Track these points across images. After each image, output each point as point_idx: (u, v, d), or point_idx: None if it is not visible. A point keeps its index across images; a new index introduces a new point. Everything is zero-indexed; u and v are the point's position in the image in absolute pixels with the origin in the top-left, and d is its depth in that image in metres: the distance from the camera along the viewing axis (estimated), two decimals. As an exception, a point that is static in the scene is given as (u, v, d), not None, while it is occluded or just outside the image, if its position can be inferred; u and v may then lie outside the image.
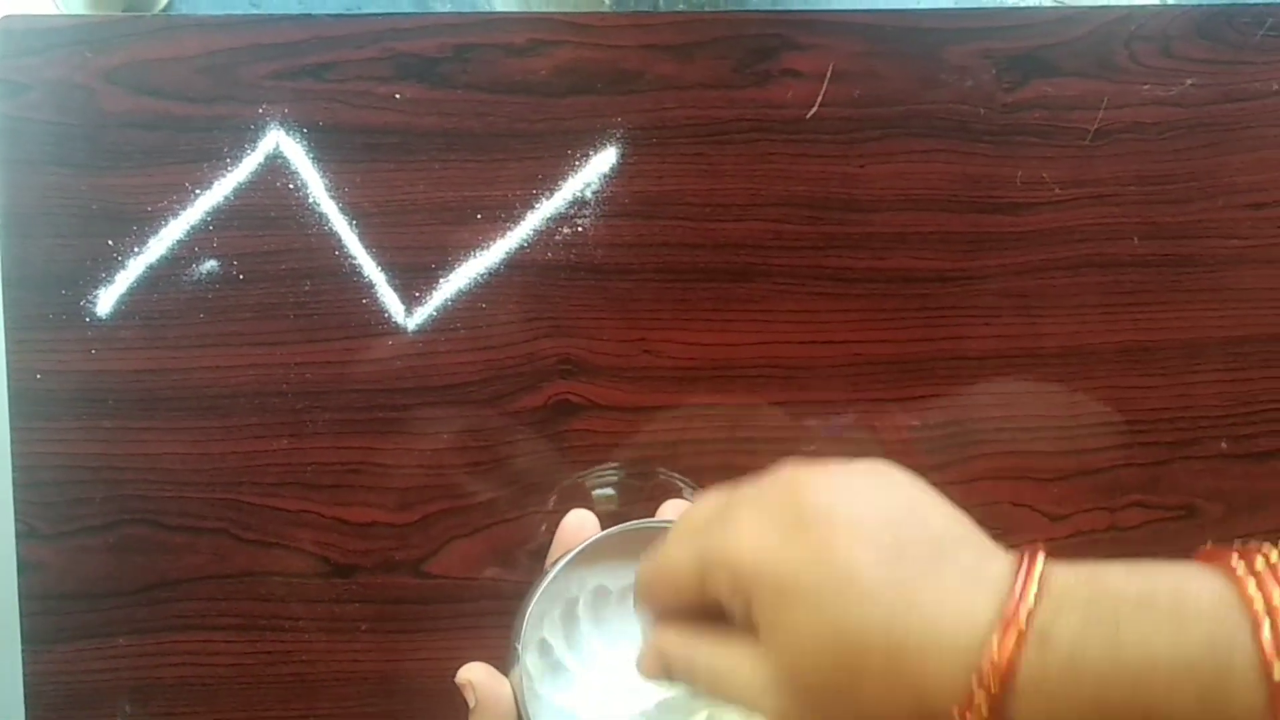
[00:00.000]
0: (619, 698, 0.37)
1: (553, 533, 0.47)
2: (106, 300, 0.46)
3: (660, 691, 0.37)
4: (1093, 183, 0.48)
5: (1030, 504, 0.48)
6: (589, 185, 0.47)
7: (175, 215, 0.46)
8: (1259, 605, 0.25)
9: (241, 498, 0.46)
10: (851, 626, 0.27)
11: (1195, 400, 0.48)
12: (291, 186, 0.46)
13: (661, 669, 0.33)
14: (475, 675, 0.37)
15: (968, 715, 0.26)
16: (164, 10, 0.50)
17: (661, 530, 0.37)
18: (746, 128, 0.48)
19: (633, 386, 0.47)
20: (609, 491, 0.47)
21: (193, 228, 0.46)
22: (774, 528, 0.29)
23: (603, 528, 0.38)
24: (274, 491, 0.46)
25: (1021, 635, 0.26)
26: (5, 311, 0.45)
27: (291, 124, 0.46)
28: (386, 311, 0.47)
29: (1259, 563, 0.26)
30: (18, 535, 0.46)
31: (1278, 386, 0.49)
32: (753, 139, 0.48)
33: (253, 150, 0.46)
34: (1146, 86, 0.48)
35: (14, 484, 0.46)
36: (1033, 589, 0.26)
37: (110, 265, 0.46)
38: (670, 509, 0.39)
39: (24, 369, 0.46)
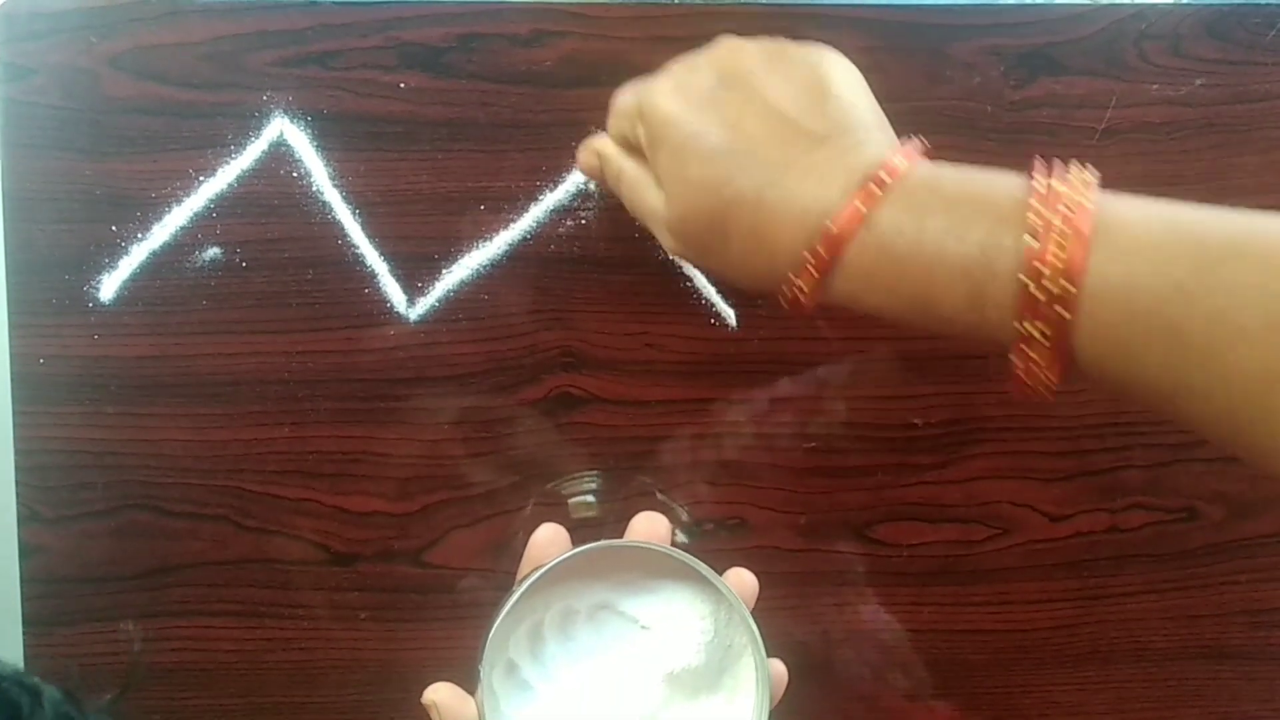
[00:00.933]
0: (586, 718, 0.36)
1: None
2: (110, 286, 0.46)
3: (626, 713, 0.37)
4: (1100, 182, 0.48)
5: (1031, 504, 0.48)
6: (589, 181, 0.47)
7: (179, 202, 0.46)
8: (1034, 219, 0.29)
9: (243, 485, 0.46)
10: (732, 188, 0.33)
11: (1198, 402, 0.48)
12: (295, 174, 0.46)
13: (594, 166, 0.40)
14: (440, 696, 0.37)
15: (799, 280, 0.32)
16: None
17: (632, 550, 0.36)
18: (752, 122, 0.47)
19: (634, 380, 0.47)
20: (589, 499, 0.47)
21: (196, 214, 0.46)
22: (697, 89, 0.35)
23: (578, 538, 0.38)
24: (275, 479, 0.46)
25: (858, 216, 0.31)
26: (8, 296, 0.46)
27: (296, 112, 0.46)
28: (389, 301, 0.47)
29: (1056, 183, 0.30)
30: (20, 519, 0.46)
31: None
32: (758, 133, 0.47)
33: (257, 137, 0.46)
34: (1156, 86, 0.48)
35: (16, 468, 0.46)
36: (882, 183, 0.31)
37: (114, 251, 0.46)
38: (642, 524, 0.38)
39: (27, 354, 0.46)
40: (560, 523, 0.39)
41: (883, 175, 0.31)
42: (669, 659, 0.37)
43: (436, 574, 0.47)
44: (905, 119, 0.48)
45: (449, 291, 0.47)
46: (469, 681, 0.36)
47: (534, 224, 0.47)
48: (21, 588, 0.46)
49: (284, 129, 0.46)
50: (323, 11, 0.46)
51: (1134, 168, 0.48)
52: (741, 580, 0.38)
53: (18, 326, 0.46)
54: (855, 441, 0.48)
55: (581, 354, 0.47)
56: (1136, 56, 0.48)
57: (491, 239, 0.47)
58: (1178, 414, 0.29)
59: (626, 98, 0.38)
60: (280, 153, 0.46)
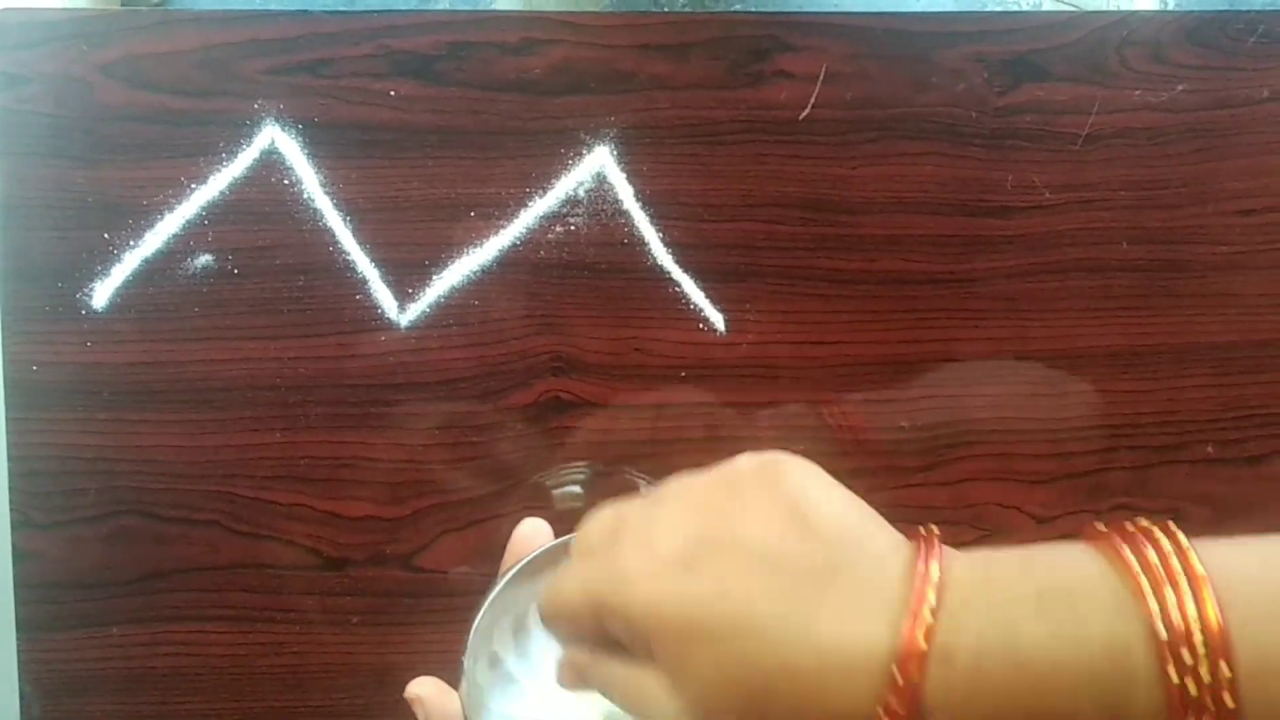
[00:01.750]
0: (570, 709, 0.36)
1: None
2: (102, 293, 0.46)
3: (610, 704, 0.37)
4: (1083, 187, 0.48)
5: (1017, 506, 0.49)
6: (582, 184, 0.48)
7: (171, 209, 0.46)
8: (1152, 604, 0.24)
9: (234, 490, 0.47)
10: (753, 662, 0.27)
11: (1183, 405, 0.49)
12: (286, 182, 0.47)
13: (578, 681, 0.33)
14: (424, 690, 0.36)
15: None
16: (161, 4, 0.51)
17: None
18: (739, 128, 0.48)
19: (623, 384, 0.48)
20: (575, 490, 0.47)
21: (188, 222, 0.46)
22: (664, 564, 0.28)
23: (567, 529, 0.38)
24: (267, 484, 0.47)
25: (923, 657, 0.25)
26: (2, 303, 0.46)
27: (287, 119, 0.47)
28: (379, 307, 0.47)
29: (1149, 552, 0.25)
30: (13, 525, 0.46)
31: (1265, 392, 0.49)
32: (746, 140, 0.48)
33: (248, 145, 0.47)
34: (1138, 92, 0.48)
35: (10, 474, 0.46)
36: (928, 601, 0.25)
37: (106, 258, 0.46)
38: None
39: (20, 361, 0.46)
40: (549, 519, 0.39)
41: (928, 592, 0.26)
42: None
43: (428, 578, 0.47)
44: (891, 125, 0.48)
45: (439, 298, 0.47)
46: (455, 677, 0.36)
47: (524, 230, 0.47)
48: (15, 593, 0.46)
49: (275, 136, 0.47)
50: (314, 20, 0.47)
51: (1117, 173, 0.48)
52: None
53: (11, 333, 0.46)
54: (843, 445, 0.48)
55: (571, 359, 0.47)
56: (1119, 63, 0.48)
57: (482, 245, 0.47)
58: None
59: (572, 592, 0.30)
60: (271, 160, 0.47)
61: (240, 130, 0.47)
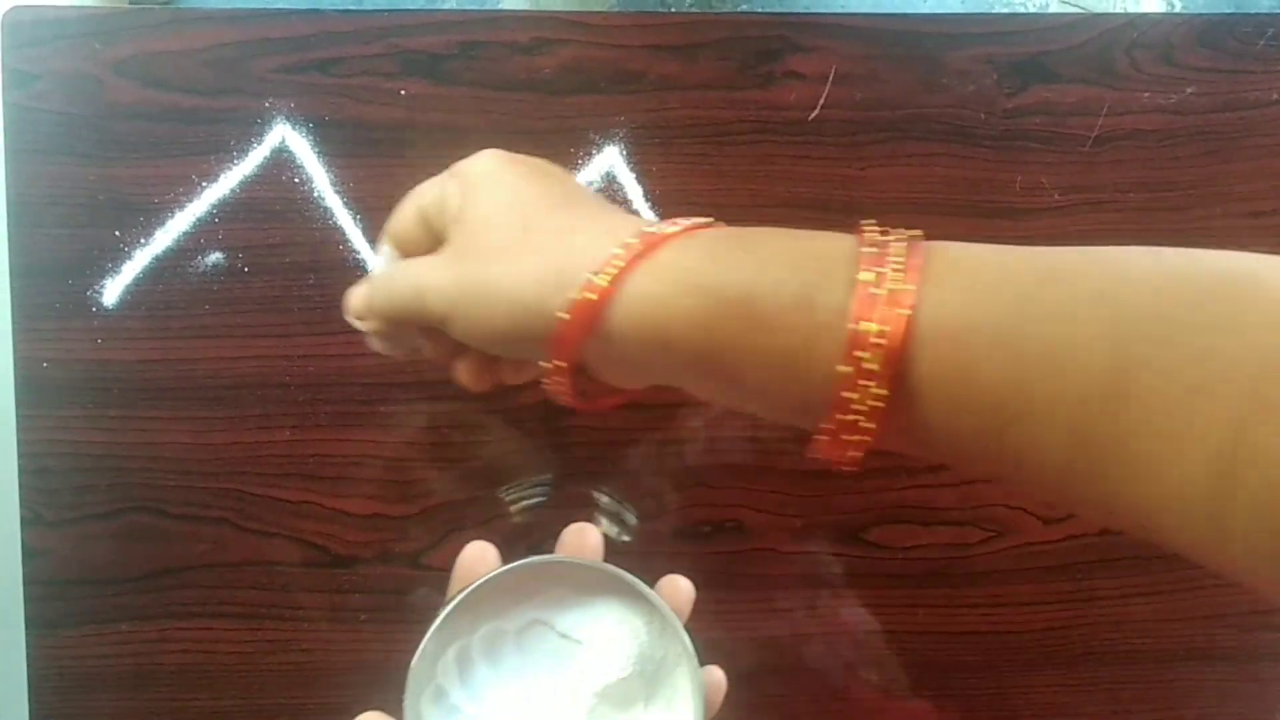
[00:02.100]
0: None
1: (548, 529, 0.48)
2: (113, 291, 0.46)
3: None
4: (1092, 189, 0.48)
5: (1024, 507, 0.49)
6: (592, 183, 0.48)
7: (181, 207, 0.46)
8: (867, 256, 0.27)
9: (244, 488, 0.47)
10: (510, 298, 0.32)
11: (1189, 406, 0.49)
12: (297, 180, 0.47)
13: (364, 303, 0.38)
14: None
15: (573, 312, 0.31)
16: (169, 3, 0.51)
17: (560, 565, 0.36)
18: (749, 129, 0.48)
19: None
20: (533, 501, 0.47)
21: (198, 220, 0.47)
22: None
23: (521, 546, 0.37)
24: (276, 482, 0.47)
25: (660, 241, 0.30)
26: (13, 300, 0.46)
27: (297, 118, 0.47)
28: (389, 306, 0.47)
29: (879, 237, 0.28)
30: (23, 521, 0.46)
31: (1272, 394, 0.49)
32: (755, 140, 0.48)
33: (259, 144, 0.47)
34: (1147, 94, 0.48)
35: (20, 471, 0.46)
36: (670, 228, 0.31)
37: (117, 256, 0.46)
38: (572, 537, 0.38)
39: (31, 357, 0.46)
40: (510, 532, 0.39)
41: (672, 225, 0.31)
42: (600, 674, 0.36)
43: (436, 576, 0.47)
44: (901, 127, 0.49)
45: (449, 296, 0.47)
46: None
47: (533, 229, 0.47)
48: (24, 590, 0.46)
49: (286, 135, 0.47)
50: (324, 19, 0.47)
51: (1126, 175, 0.48)
52: (676, 588, 0.37)
53: (22, 330, 0.46)
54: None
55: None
56: (1128, 65, 0.48)
57: (491, 244, 0.47)
58: (1009, 449, 0.27)
59: (409, 209, 0.38)
60: (282, 158, 0.47)
61: (251, 128, 0.47)
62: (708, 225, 0.33)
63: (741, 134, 0.48)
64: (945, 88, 0.48)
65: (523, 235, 0.33)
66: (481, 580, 0.35)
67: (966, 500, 0.49)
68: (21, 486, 0.46)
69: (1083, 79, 0.48)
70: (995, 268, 0.27)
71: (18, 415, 0.46)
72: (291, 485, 0.47)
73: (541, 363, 0.33)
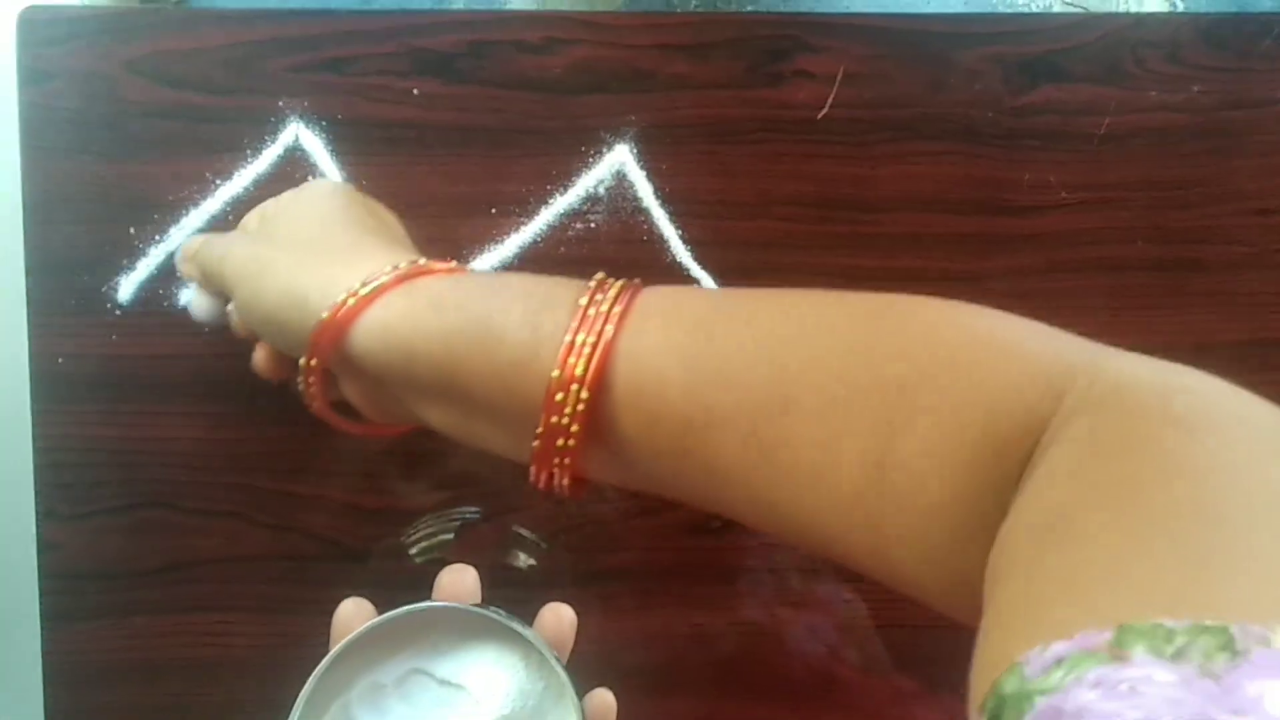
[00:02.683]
0: None
1: (565, 521, 0.48)
2: (127, 287, 0.47)
3: None
4: (1100, 187, 0.49)
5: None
6: (601, 182, 0.48)
7: (195, 205, 0.47)
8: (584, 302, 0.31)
9: (256, 482, 0.47)
10: (282, 286, 0.35)
11: (1196, 403, 0.49)
12: (310, 178, 0.47)
13: (192, 249, 0.41)
14: None
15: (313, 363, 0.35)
16: (185, 2, 0.51)
17: (431, 611, 0.36)
18: (758, 128, 0.48)
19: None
20: (447, 538, 0.47)
21: (212, 217, 0.47)
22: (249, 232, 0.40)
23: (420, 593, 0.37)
24: (288, 477, 0.47)
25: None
26: (28, 296, 0.46)
27: (310, 117, 0.47)
28: (401, 303, 0.47)
29: (605, 302, 0.32)
30: (38, 516, 0.47)
31: None
32: (764, 139, 0.48)
33: (272, 142, 0.47)
34: (1154, 93, 0.49)
35: (35, 465, 0.47)
36: (378, 283, 0.33)
37: (131, 253, 0.47)
38: (447, 578, 0.38)
39: (46, 353, 0.46)
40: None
41: (385, 280, 0.33)
42: (484, 715, 0.37)
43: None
44: (909, 126, 0.49)
45: (460, 293, 0.47)
46: None
47: (544, 227, 0.48)
48: (39, 583, 0.47)
49: (299, 133, 0.47)
50: (337, 19, 0.47)
51: (1132, 173, 0.49)
52: (559, 617, 0.38)
53: (37, 326, 0.46)
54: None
55: (590, 355, 0.48)
56: (1135, 64, 0.49)
57: (502, 242, 0.48)
58: (699, 461, 0.30)
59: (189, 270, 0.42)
60: (295, 157, 0.47)
61: (264, 127, 0.47)
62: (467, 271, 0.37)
63: (751, 133, 0.48)
64: (953, 87, 0.48)
65: (321, 240, 0.37)
66: (353, 636, 0.35)
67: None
68: (37, 481, 0.47)
69: (1090, 78, 0.48)
70: (691, 305, 0.32)
71: (33, 410, 0.47)
72: (304, 480, 0.47)
73: (300, 361, 0.35)
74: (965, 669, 0.50)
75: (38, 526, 0.47)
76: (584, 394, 0.30)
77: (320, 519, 0.47)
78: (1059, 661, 0.18)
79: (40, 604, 0.47)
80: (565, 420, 0.31)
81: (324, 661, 0.35)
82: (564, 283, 0.34)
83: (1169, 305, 0.49)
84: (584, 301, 0.32)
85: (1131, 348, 0.49)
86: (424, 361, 0.33)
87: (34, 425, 0.47)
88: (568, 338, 0.30)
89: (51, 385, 0.47)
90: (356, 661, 0.36)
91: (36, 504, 0.47)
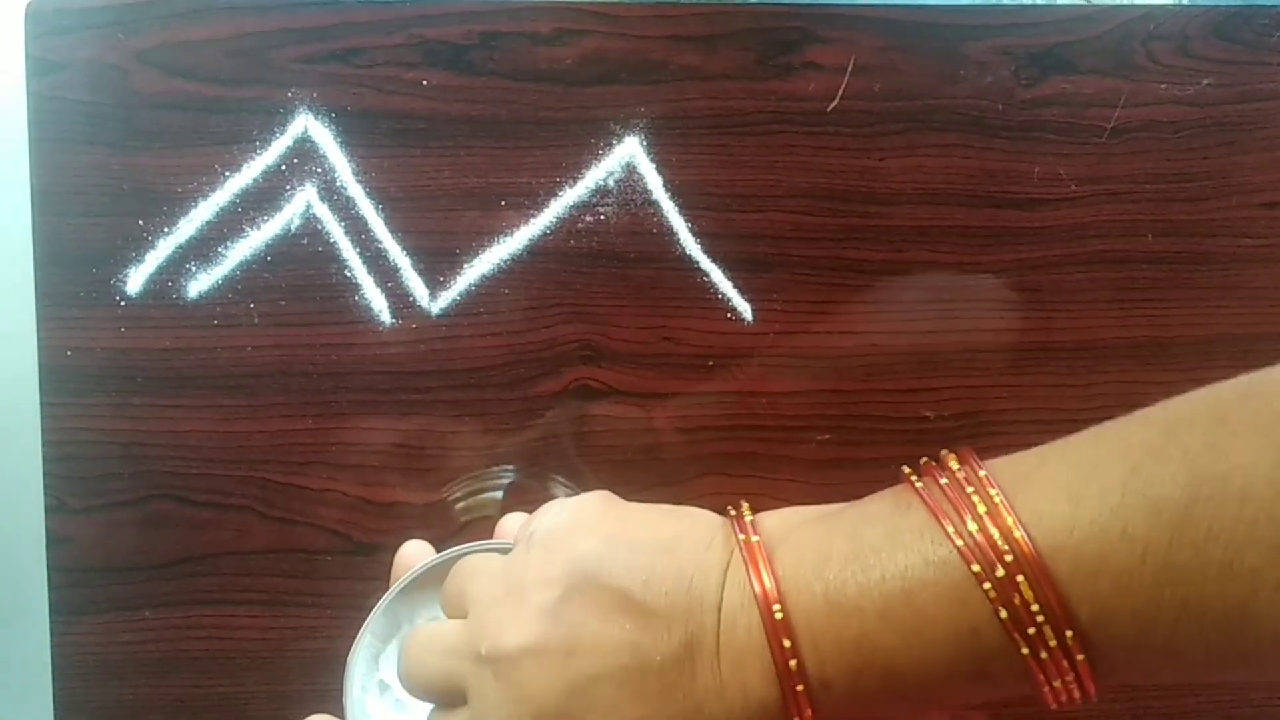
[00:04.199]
0: None
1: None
2: (136, 279, 0.47)
3: None
4: (1109, 180, 0.49)
5: (1040, 495, 0.49)
6: (611, 174, 0.48)
7: (205, 196, 0.47)
8: (989, 591, 0.25)
9: (266, 476, 0.47)
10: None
11: (1204, 396, 0.49)
12: (319, 170, 0.47)
13: None
14: None
15: None
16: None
17: (495, 550, 0.36)
18: (768, 119, 0.48)
19: (652, 373, 0.48)
20: (496, 496, 0.47)
21: (222, 209, 0.47)
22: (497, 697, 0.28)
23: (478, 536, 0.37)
24: (299, 470, 0.47)
25: (804, 696, 0.27)
26: (37, 289, 0.46)
27: (320, 108, 0.47)
28: (411, 295, 0.47)
29: (972, 528, 0.26)
30: (47, 509, 0.46)
31: (1286, 383, 0.49)
32: (774, 130, 0.48)
33: (281, 133, 0.47)
34: (1163, 85, 0.49)
35: (44, 459, 0.46)
36: (786, 650, 0.27)
37: (140, 245, 0.47)
38: (508, 525, 0.38)
39: (55, 346, 0.46)
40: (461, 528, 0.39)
41: (784, 642, 0.27)
42: None
43: (457, 563, 0.48)
44: (919, 117, 0.49)
45: (470, 286, 0.47)
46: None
47: (554, 219, 0.48)
48: (49, 576, 0.47)
49: (308, 125, 0.47)
50: (346, 9, 0.47)
51: (1142, 166, 0.49)
52: None
53: (46, 319, 0.46)
54: (869, 434, 0.49)
55: (600, 347, 0.48)
56: (1145, 57, 0.49)
57: (512, 234, 0.48)
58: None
59: (433, 674, 0.31)
60: (304, 149, 0.47)
61: (273, 119, 0.47)
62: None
63: (760, 124, 0.48)
64: (963, 79, 0.48)
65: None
66: (415, 571, 0.36)
67: (983, 489, 0.49)
68: (46, 474, 0.47)
69: (1100, 70, 0.48)
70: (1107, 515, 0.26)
71: (42, 403, 0.46)
72: (314, 473, 0.47)
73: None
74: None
75: (47, 520, 0.47)
76: (1087, 686, 0.26)
77: (331, 513, 0.47)
78: None
79: (49, 597, 0.47)
80: (1036, 633, 0.25)
81: (387, 595, 0.35)
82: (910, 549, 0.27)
83: (1177, 299, 0.49)
84: (1029, 650, 0.26)
85: (1139, 341, 0.50)
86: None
87: (43, 418, 0.46)
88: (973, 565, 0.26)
89: (60, 378, 0.46)
90: (418, 598, 0.37)
91: (45, 497, 0.47)
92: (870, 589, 0.27)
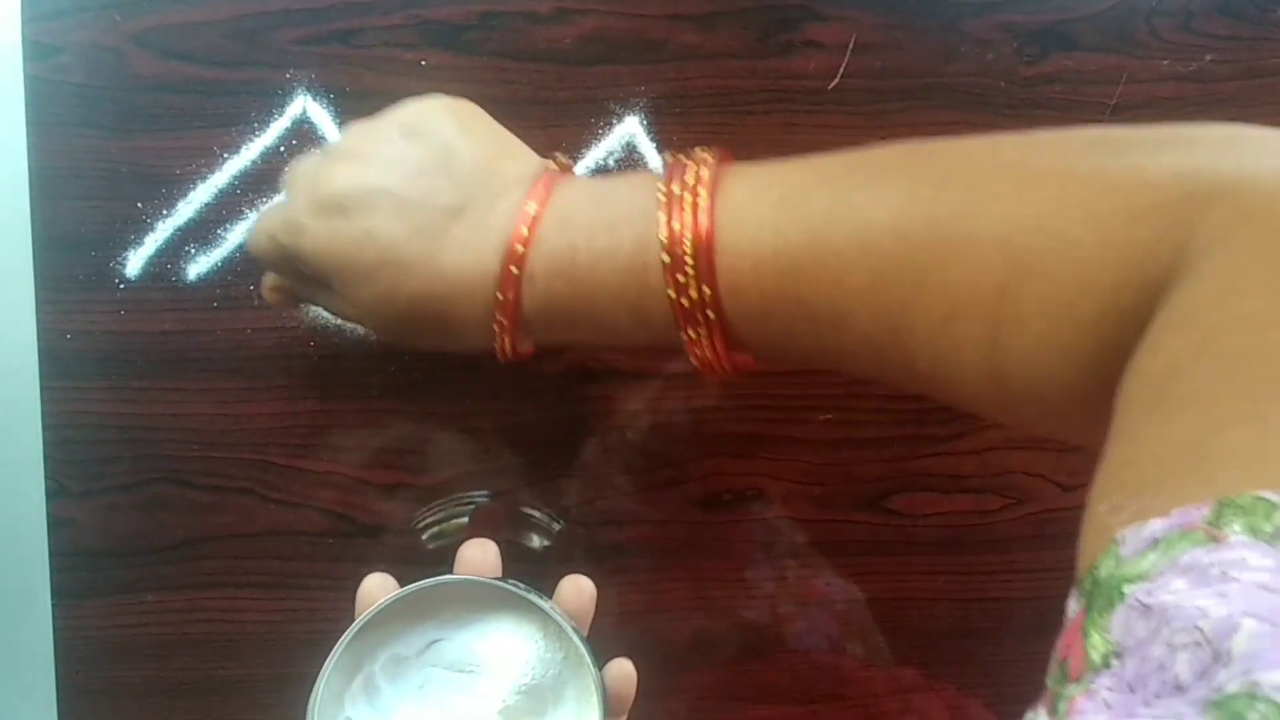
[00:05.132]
0: None
1: (576, 496, 0.48)
2: (135, 262, 0.46)
3: None
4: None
5: (1043, 474, 0.49)
6: (612, 154, 0.48)
7: (203, 178, 0.46)
8: (661, 231, 0.32)
9: (268, 458, 0.47)
10: (399, 290, 0.35)
11: (1208, 373, 0.49)
12: (316, 150, 0.47)
13: (286, 301, 0.41)
14: None
15: (503, 346, 0.36)
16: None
17: (452, 585, 0.37)
18: (769, 98, 0.48)
19: (652, 354, 0.48)
20: (461, 521, 0.47)
21: (220, 191, 0.47)
22: (324, 212, 0.35)
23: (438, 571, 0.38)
24: (300, 452, 0.47)
25: (516, 279, 0.34)
26: (36, 272, 0.46)
27: (318, 89, 0.47)
28: (411, 277, 0.47)
29: (690, 175, 0.33)
30: (48, 493, 0.46)
31: (1289, 361, 0.49)
32: (775, 109, 0.48)
33: (280, 115, 0.47)
34: (1166, 62, 0.49)
35: (45, 442, 0.46)
36: (520, 235, 0.33)
37: (139, 228, 0.46)
38: (469, 552, 0.39)
39: (54, 329, 0.46)
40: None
41: (523, 230, 0.34)
42: (504, 685, 0.37)
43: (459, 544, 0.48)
44: (921, 95, 0.49)
45: (470, 267, 0.47)
46: None
47: (554, 200, 0.47)
48: (50, 560, 0.47)
49: (306, 106, 0.47)
50: (344, -10, 0.47)
51: (1145, 143, 0.48)
52: (579, 588, 0.39)
53: (45, 302, 0.46)
54: (871, 414, 0.49)
55: (601, 328, 0.48)
56: (1147, 33, 0.48)
57: (512, 215, 0.47)
58: (844, 368, 0.34)
59: (261, 237, 0.38)
60: (302, 130, 0.47)
61: (272, 100, 0.47)
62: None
63: (761, 103, 0.48)
64: (965, 56, 0.48)
65: (433, 200, 0.35)
66: (378, 607, 0.36)
67: (986, 468, 0.49)
68: (46, 458, 0.46)
69: (1102, 47, 0.48)
70: (775, 209, 0.32)
71: (42, 387, 0.46)
72: (315, 455, 0.47)
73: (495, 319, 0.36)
74: (967, 666, 0.50)
75: (48, 503, 0.46)
76: (724, 363, 0.34)
77: (332, 495, 0.47)
78: (1154, 543, 0.17)
79: (51, 581, 0.47)
80: (687, 280, 0.31)
81: (348, 632, 0.35)
82: (637, 222, 0.34)
83: (1180, 276, 0.49)
84: (675, 295, 0.32)
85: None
86: (583, 342, 0.37)
87: (43, 402, 0.46)
88: (663, 216, 0.32)
89: (60, 362, 0.46)
90: (380, 633, 0.37)
91: (46, 481, 0.46)
92: (597, 217, 0.34)
